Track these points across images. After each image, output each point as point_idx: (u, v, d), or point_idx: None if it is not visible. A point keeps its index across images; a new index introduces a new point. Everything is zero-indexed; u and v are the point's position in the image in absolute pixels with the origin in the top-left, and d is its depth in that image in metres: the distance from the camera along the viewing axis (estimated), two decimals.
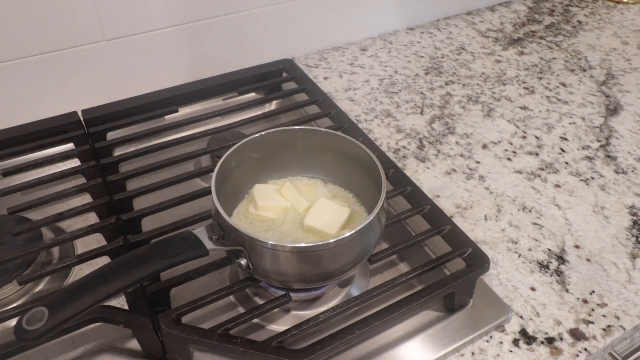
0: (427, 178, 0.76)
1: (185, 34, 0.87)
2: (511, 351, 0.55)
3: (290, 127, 0.62)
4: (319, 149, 0.63)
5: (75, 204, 0.65)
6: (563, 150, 0.81)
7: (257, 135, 0.60)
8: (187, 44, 0.89)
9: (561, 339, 0.56)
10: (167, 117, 0.80)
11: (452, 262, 0.58)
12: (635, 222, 0.69)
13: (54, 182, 0.68)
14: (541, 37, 1.12)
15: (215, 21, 0.88)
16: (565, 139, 0.83)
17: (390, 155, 0.78)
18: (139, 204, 0.64)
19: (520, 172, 0.77)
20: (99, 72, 0.84)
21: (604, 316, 0.58)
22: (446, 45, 1.08)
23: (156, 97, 0.81)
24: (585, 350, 0.55)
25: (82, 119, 0.76)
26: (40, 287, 0.60)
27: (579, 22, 1.18)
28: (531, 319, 0.58)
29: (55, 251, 0.64)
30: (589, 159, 0.80)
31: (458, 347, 0.55)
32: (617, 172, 0.77)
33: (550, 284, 0.61)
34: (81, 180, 0.69)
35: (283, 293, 0.54)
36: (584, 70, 1.00)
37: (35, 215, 0.65)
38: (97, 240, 0.63)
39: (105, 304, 0.45)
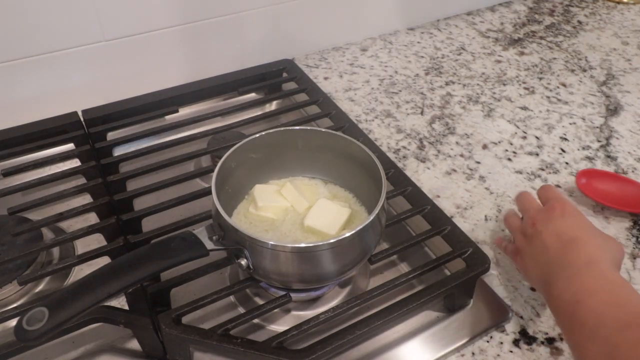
0: (427, 178, 0.76)
1: (185, 34, 0.87)
2: (511, 351, 0.55)
3: (290, 127, 0.62)
4: (319, 149, 0.63)
5: (75, 204, 0.65)
6: (563, 150, 0.81)
7: (257, 135, 0.60)
8: (187, 43, 0.89)
9: (561, 339, 0.56)
10: (167, 117, 0.80)
11: (452, 262, 0.58)
12: (635, 222, 0.69)
13: (54, 182, 0.68)
14: (541, 37, 1.12)
15: (215, 21, 0.88)
16: (565, 139, 0.83)
17: (390, 155, 0.78)
18: (139, 204, 0.64)
19: (520, 172, 0.77)
20: (99, 72, 0.84)
21: None
22: (446, 45, 1.08)
23: (156, 97, 0.81)
24: None
25: (82, 119, 0.76)
26: (40, 287, 0.60)
27: (579, 22, 1.18)
28: (531, 319, 0.58)
29: (55, 251, 0.65)
30: (589, 159, 0.79)
31: (458, 347, 0.55)
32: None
33: None
34: (81, 180, 0.69)
35: (283, 293, 0.54)
36: (584, 70, 1.00)
37: (35, 215, 0.65)
38: (97, 240, 0.63)
39: (105, 304, 0.45)
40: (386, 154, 0.73)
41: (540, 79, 0.98)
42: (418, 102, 0.91)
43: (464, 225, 0.68)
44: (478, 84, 0.96)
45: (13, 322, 0.52)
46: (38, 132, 0.74)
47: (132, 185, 0.67)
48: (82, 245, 0.65)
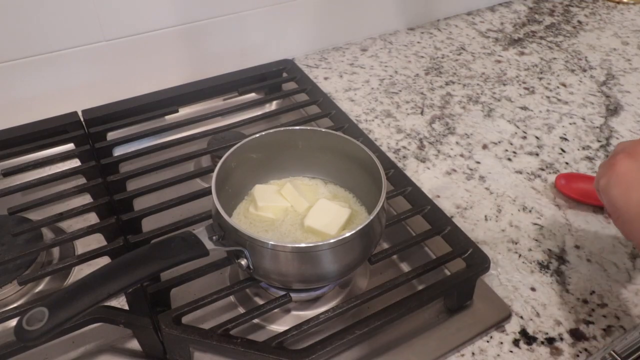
0: (427, 178, 0.76)
1: (185, 34, 0.87)
2: (511, 351, 0.55)
3: (291, 127, 0.62)
4: (319, 149, 0.63)
5: (75, 204, 0.65)
6: (563, 150, 0.81)
7: (257, 135, 0.60)
8: (187, 43, 0.89)
9: (561, 339, 0.56)
10: (167, 117, 0.80)
11: (452, 262, 0.58)
12: None
13: (54, 182, 0.68)
14: (541, 37, 1.12)
15: (215, 21, 0.88)
16: (565, 139, 0.83)
17: (390, 155, 0.78)
18: (139, 204, 0.64)
19: (520, 172, 0.77)
20: (99, 72, 0.84)
21: (604, 316, 0.58)
22: (446, 45, 1.08)
23: (156, 97, 0.81)
24: (585, 350, 0.55)
25: (82, 119, 0.76)
26: (40, 287, 0.60)
27: (579, 22, 1.18)
28: (531, 319, 0.58)
29: (55, 251, 0.65)
30: (589, 159, 0.79)
31: (458, 347, 0.55)
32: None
33: (550, 284, 0.61)
34: (81, 180, 0.69)
35: (283, 293, 0.54)
36: (584, 70, 1.00)
37: (35, 215, 0.65)
38: (97, 240, 0.63)
39: (105, 304, 0.45)
40: (386, 154, 0.73)
41: (540, 79, 0.98)
42: (418, 102, 0.91)
43: (464, 225, 0.68)
44: (478, 84, 0.96)
45: (13, 322, 0.52)
46: (38, 132, 0.74)
47: (132, 185, 0.67)
48: (82, 245, 0.65)
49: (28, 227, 0.61)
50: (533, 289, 0.60)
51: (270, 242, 0.49)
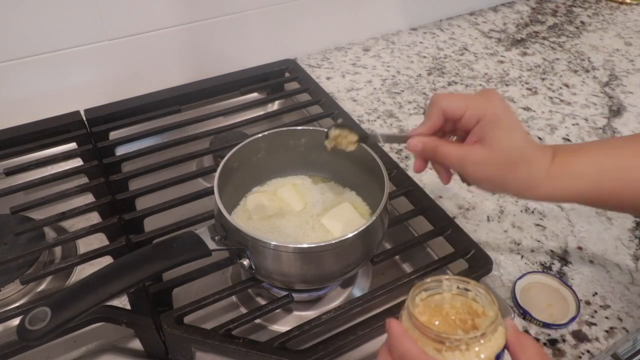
0: (430, 179, 0.76)
1: (187, 34, 0.87)
2: None
3: (293, 127, 0.62)
4: (322, 149, 0.63)
5: (78, 203, 0.65)
6: None
7: (260, 135, 0.60)
8: (190, 43, 0.89)
9: (564, 341, 0.56)
10: (169, 116, 0.80)
11: (455, 262, 0.58)
12: (638, 224, 0.69)
13: (56, 182, 0.68)
14: (544, 38, 1.11)
15: (217, 21, 0.88)
16: (568, 140, 0.83)
17: (393, 155, 0.78)
18: (141, 203, 0.64)
19: None
20: (101, 72, 0.84)
21: (607, 318, 0.58)
22: (449, 46, 1.08)
23: (158, 96, 0.81)
24: (588, 351, 0.55)
25: (84, 119, 0.76)
26: (42, 287, 0.61)
27: (582, 22, 1.17)
28: None
29: (58, 250, 0.65)
30: None
31: None
32: None
33: None
34: (83, 180, 0.69)
35: (285, 293, 0.54)
36: (587, 71, 1.00)
37: (37, 215, 0.65)
38: (99, 240, 0.63)
39: (108, 303, 0.45)
40: (388, 154, 0.73)
41: (543, 79, 0.98)
42: (420, 102, 0.91)
43: (467, 226, 0.68)
44: (481, 85, 0.96)
45: (15, 322, 0.52)
46: (40, 131, 0.74)
47: (135, 184, 0.67)
48: (84, 245, 0.65)
49: (30, 226, 0.61)
50: None
51: (273, 243, 0.48)
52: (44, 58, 0.78)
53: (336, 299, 0.59)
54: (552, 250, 0.65)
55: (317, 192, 0.64)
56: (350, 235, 0.49)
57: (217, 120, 0.79)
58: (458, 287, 0.38)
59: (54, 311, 0.41)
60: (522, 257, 0.64)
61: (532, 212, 0.70)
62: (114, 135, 0.76)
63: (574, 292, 0.59)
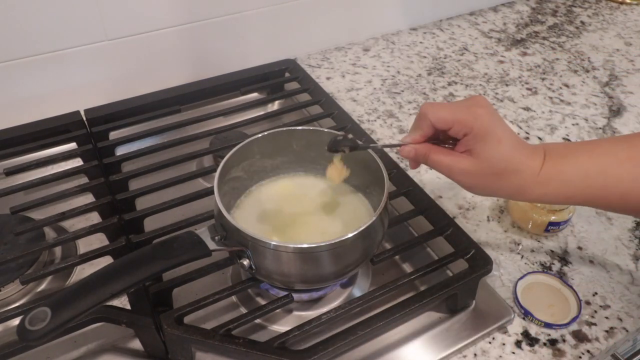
0: (430, 178, 0.76)
1: (187, 34, 0.87)
2: (513, 352, 0.55)
3: (293, 127, 0.62)
4: (322, 149, 0.63)
5: (78, 203, 0.65)
6: None
7: (260, 135, 0.60)
8: (190, 43, 0.89)
9: (564, 341, 0.56)
10: (169, 116, 0.80)
11: (455, 263, 0.58)
12: (638, 224, 0.69)
13: (56, 182, 0.68)
14: (544, 38, 1.11)
15: (217, 21, 0.88)
16: (568, 140, 0.83)
17: (393, 155, 0.78)
18: (141, 203, 0.64)
19: None
20: (101, 72, 0.84)
21: (607, 318, 0.58)
22: (449, 46, 1.08)
23: (158, 96, 0.81)
24: (588, 352, 0.55)
25: (84, 119, 0.76)
26: (42, 287, 0.61)
27: (582, 22, 1.17)
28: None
29: (58, 250, 0.65)
30: None
31: (460, 348, 0.55)
32: None
33: None
34: (83, 180, 0.69)
35: (285, 293, 0.54)
36: (587, 71, 1.00)
37: (37, 215, 0.65)
38: (99, 240, 0.63)
39: (108, 303, 0.45)
40: (388, 154, 0.73)
41: (543, 79, 0.98)
42: (420, 102, 0.91)
43: (467, 226, 0.68)
44: (481, 85, 0.96)
45: (15, 322, 0.52)
46: (40, 131, 0.74)
47: (135, 184, 0.67)
48: (84, 245, 0.65)
49: (30, 226, 0.61)
50: None
51: (273, 243, 0.48)
52: (44, 58, 0.78)
53: (336, 299, 0.59)
54: (552, 250, 0.65)
55: (316, 192, 0.64)
56: (350, 235, 0.49)
57: (217, 120, 0.78)
58: None
59: (54, 311, 0.41)
60: (522, 257, 0.64)
61: None
62: (114, 135, 0.76)
63: (575, 292, 0.59)
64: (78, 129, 0.75)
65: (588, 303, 0.59)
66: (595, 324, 0.57)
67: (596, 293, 0.60)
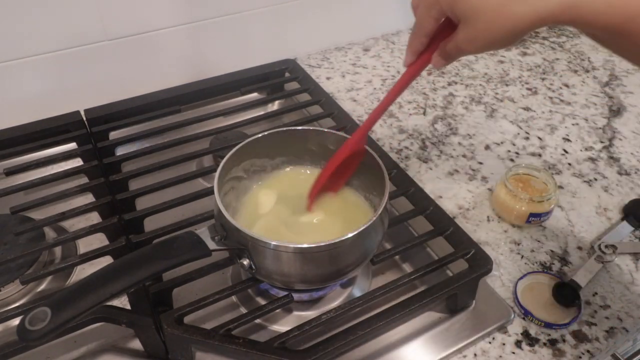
0: (430, 178, 0.76)
1: (187, 34, 0.87)
2: (513, 352, 0.55)
3: (293, 127, 0.62)
4: (321, 149, 0.63)
5: (78, 203, 0.65)
6: (566, 151, 0.81)
7: (260, 135, 0.60)
8: (190, 43, 0.89)
9: (564, 341, 0.56)
10: (169, 116, 0.80)
11: (455, 263, 0.58)
12: (638, 224, 0.69)
13: (56, 182, 0.68)
14: (544, 38, 1.11)
15: (217, 21, 0.88)
16: (568, 140, 0.83)
17: (393, 155, 0.78)
18: (141, 203, 0.64)
19: None
20: (101, 72, 0.84)
21: (607, 318, 0.58)
22: None
23: (158, 96, 0.81)
24: (588, 352, 0.55)
25: (84, 119, 0.76)
26: (42, 287, 0.61)
27: None
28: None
29: (58, 250, 0.65)
30: (592, 159, 0.79)
31: (460, 348, 0.55)
32: (619, 173, 0.77)
33: None
34: (83, 180, 0.69)
35: (285, 293, 0.54)
36: (587, 71, 1.00)
37: (37, 215, 0.65)
38: (99, 240, 0.63)
39: (108, 303, 0.45)
40: (388, 154, 0.73)
41: (543, 79, 0.98)
42: (420, 102, 0.91)
43: (467, 226, 0.68)
44: (481, 85, 0.96)
45: (15, 322, 0.52)
46: (40, 131, 0.74)
47: (135, 184, 0.67)
48: (84, 245, 0.65)
49: (30, 226, 0.61)
50: None
51: (273, 243, 0.48)
52: (44, 58, 0.78)
53: (336, 299, 0.59)
54: (552, 250, 0.65)
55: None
56: (350, 235, 0.49)
57: (217, 120, 0.78)
58: None
59: (54, 311, 0.41)
60: (522, 257, 0.64)
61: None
62: (114, 135, 0.76)
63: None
64: (78, 129, 0.75)
65: (588, 303, 0.59)
66: (595, 324, 0.57)
67: (596, 293, 0.60)
